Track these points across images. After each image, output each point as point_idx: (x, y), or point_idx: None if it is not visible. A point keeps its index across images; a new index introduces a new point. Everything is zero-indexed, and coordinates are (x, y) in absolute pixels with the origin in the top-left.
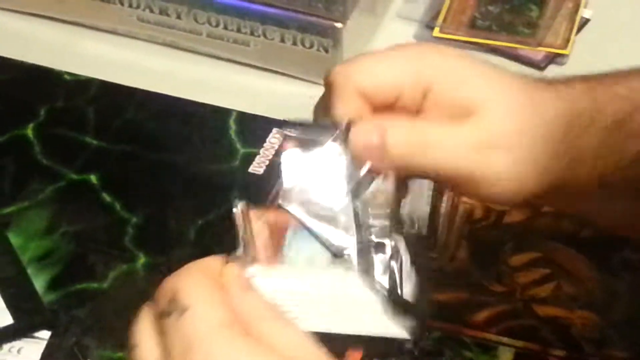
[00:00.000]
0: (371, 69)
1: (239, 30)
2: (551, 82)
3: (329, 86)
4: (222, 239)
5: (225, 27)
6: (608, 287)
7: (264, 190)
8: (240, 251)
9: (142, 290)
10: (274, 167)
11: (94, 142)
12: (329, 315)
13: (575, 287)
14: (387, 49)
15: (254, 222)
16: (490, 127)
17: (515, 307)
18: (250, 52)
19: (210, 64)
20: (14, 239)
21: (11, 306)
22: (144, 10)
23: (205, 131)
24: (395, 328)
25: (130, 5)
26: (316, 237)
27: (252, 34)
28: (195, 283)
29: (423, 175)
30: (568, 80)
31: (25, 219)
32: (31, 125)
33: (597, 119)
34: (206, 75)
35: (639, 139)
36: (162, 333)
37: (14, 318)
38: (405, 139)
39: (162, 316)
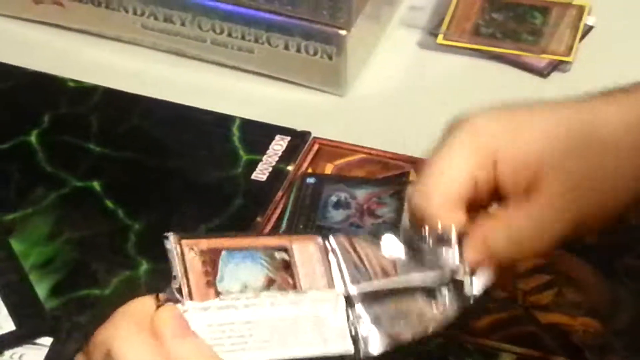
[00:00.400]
0: (443, 179)
1: (243, 38)
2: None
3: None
4: None
5: (230, 35)
6: (610, 294)
7: (266, 197)
8: (175, 285)
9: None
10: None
11: (98, 149)
12: (270, 341)
13: (578, 294)
14: (440, 145)
15: (186, 254)
16: (560, 185)
17: (517, 314)
18: (254, 59)
19: (215, 71)
20: (17, 246)
21: (13, 312)
22: (148, 17)
23: (208, 138)
24: (336, 345)
25: (135, 13)
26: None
27: (256, 41)
28: (127, 336)
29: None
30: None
31: (28, 226)
32: (35, 132)
33: None
34: (210, 82)
35: None
36: None
37: (16, 324)
38: (506, 242)
39: None
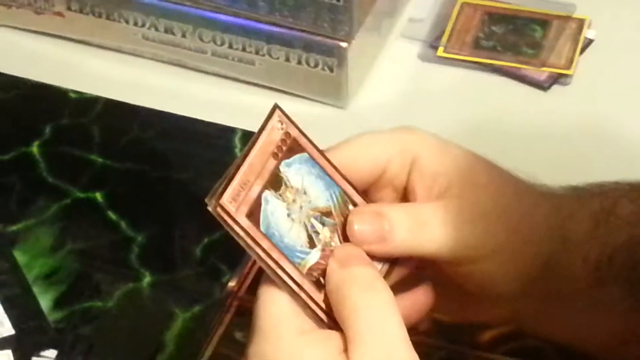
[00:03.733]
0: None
1: (244, 49)
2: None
3: None
4: (227, 258)
5: (231, 46)
6: None
7: None
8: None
9: (148, 309)
10: None
11: (100, 160)
12: None
13: None
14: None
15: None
16: (477, 199)
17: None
18: (255, 71)
19: (216, 83)
20: (20, 257)
21: (17, 324)
22: (149, 28)
23: (210, 149)
24: None
25: (136, 24)
26: None
27: (257, 52)
28: None
29: (421, 257)
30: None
31: (31, 237)
32: (37, 143)
33: (580, 210)
34: (211, 94)
35: (624, 230)
36: None
37: (19, 336)
38: (406, 223)
39: None
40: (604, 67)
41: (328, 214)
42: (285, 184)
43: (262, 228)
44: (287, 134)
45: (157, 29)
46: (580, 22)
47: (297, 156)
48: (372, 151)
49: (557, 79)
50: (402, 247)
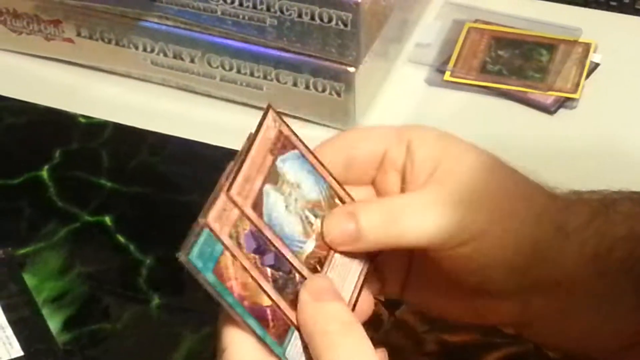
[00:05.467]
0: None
1: (252, 74)
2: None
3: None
4: None
5: (239, 71)
6: None
7: None
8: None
9: (156, 332)
10: None
11: (109, 184)
12: None
13: None
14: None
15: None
16: (458, 185)
17: (527, 349)
18: (263, 95)
19: (224, 107)
20: (29, 280)
21: (25, 347)
22: (157, 54)
23: (218, 173)
24: None
25: (144, 50)
26: None
27: (265, 77)
28: None
29: (399, 248)
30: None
31: (40, 260)
32: (46, 167)
33: (578, 203)
34: (219, 118)
35: (624, 224)
36: None
37: (28, 358)
38: (378, 220)
39: None
40: (610, 91)
41: (318, 206)
42: (282, 179)
43: (265, 219)
44: (280, 132)
45: (165, 55)
46: (587, 47)
47: (290, 152)
48: (371, 137)
49: (563, 103)
50: (376, 243)
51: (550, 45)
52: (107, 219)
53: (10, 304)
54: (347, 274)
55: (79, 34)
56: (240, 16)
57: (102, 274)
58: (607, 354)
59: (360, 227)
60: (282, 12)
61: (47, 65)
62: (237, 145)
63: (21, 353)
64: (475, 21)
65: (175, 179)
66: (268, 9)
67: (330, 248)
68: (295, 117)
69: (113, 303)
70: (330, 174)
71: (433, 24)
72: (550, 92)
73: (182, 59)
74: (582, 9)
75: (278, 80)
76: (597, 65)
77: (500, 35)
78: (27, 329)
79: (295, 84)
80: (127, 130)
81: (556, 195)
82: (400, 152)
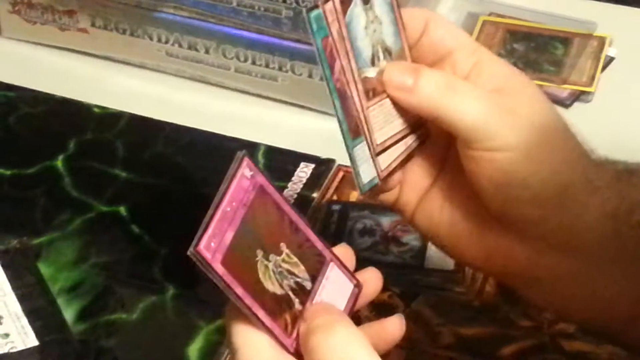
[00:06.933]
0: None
1: (267, 66)
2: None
3: None
4: None
5: (254, 62)
6: None
7: None
8: None
9: (171, 322)
10: None
11: (123, 174)
12: None
13: None
14: None
15: None
16: (516, 102)
17: (543, 342)
18: (278, 87)
19: (239, 99)
20: (45, 270)
21: (41, 336)
22: (172, 45)
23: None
24: None
25: (159, 40)
26: None
27: (280, 69)
28: None
29: (443, 123)
30: None
31: (55, 250)
32: (61, 158)
33: (606, 165)
34: (234, 110)
35: None
36: None
37: (42, 348)
38: (436, 82)
39: None
40: (625, 85)
41: (389, 52)
42: (371, 5)
43: (346, 19)
44: None
45: (180, 45)
46: (602, 40)
47: None
48: (450, 31)
49: (578, 96)
50: (427, 104)
51: (565, 39)
52: (122, 209)
53: (25, 294)
54: (391, 127)
55: (93, 25)
56: (256, 7)
57: (116, 264)
58: (616, 324)
59: (418, 82)
60: (297, 3)
61: (62, 55)
62: (251, 136)
63: (36, 343)
64: (490, 14)
65: (189, 170)
66: (284, 0)
67: (384, 92)
68: (310, 109)
69: (128, 293)
70: (407, 40)
71: (447, 17)
72: (565, 86)
73: (197, 50)
74: (597, 2)
75: (293, 72)
76: (612, 59)
77: (514, 28)
78: (42, 318)
79: (310, 75)
80: (142, 121)
81: (589, 153)
82: (468, 62)
